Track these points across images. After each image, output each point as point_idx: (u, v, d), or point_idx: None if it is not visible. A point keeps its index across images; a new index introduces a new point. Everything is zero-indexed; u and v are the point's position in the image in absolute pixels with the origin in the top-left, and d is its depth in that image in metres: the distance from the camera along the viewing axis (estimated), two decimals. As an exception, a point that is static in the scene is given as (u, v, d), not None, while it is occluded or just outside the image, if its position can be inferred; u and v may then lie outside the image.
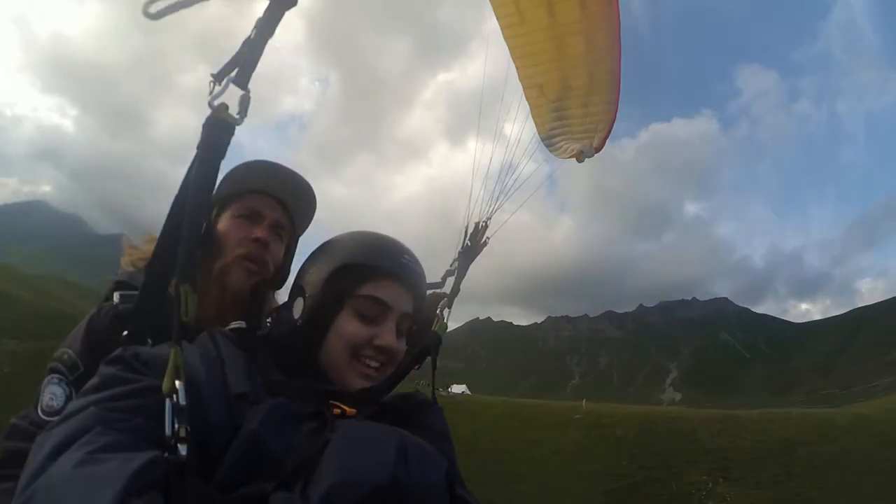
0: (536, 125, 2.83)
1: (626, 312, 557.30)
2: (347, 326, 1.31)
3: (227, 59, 1.27)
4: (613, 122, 2.66)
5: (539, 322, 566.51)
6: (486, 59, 2.71)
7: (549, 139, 2.82)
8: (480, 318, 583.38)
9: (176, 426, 1.00)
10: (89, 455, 0.89)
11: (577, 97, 2.77)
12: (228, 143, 1.24)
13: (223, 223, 1.77)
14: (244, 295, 1.67)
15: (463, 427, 43.70)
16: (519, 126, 2.67)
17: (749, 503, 35.04)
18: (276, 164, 1.85)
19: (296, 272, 1.49)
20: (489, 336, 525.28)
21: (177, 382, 1.03)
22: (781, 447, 41.08)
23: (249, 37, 1.28)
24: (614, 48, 2.59)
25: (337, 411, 1.19)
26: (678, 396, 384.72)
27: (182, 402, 1.02)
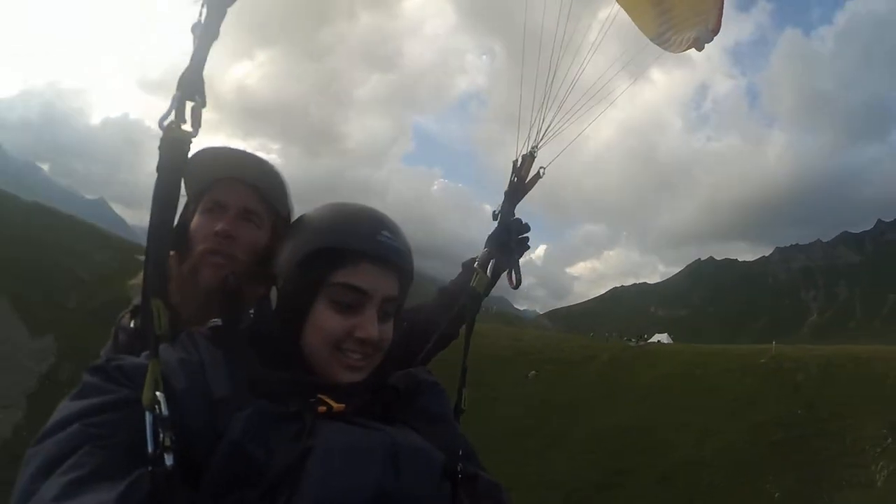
0: (641, 28, 2.64)
1: (863, 232, 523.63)
2: (324, 319, 1.23)
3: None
4: None
5: (767, 255, 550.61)
6: None
7: (660, 36, 2.61)
8: (702, 258, 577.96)
9: (161, 436, 1.00)
10: (72, 486, 0.91)
11: None
12: (185, 157, 1.21)
13: (193, 221, 1.70)
14: (218, 290, 1.57)
15: (642, 376, 45.32)
16: (571, 27, 2.27)
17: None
18: (233, 148, 1.74)
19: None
20: (713, 278, 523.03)
21: (157, 393, 1.03)
22: None
23: (193, 43, 1.22)
24: None
25: (323, 409, 1.16)
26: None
27: (165, 412, 1.02)
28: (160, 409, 1.02)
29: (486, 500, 1.27)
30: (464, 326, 1.98)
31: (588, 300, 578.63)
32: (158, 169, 1.21)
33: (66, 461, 0.94)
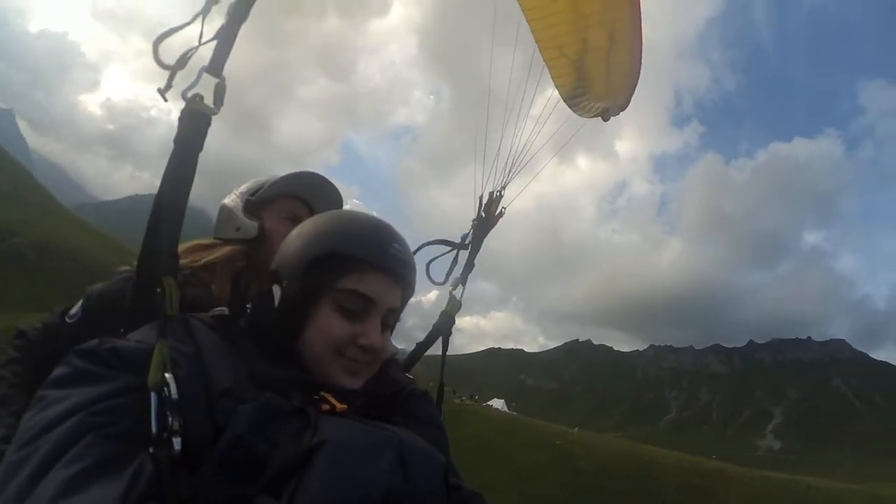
0: (558, 86, 2.78)
1: (734, 347, 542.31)
2: (329, 323, 1.22)
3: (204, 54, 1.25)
4: (637, 79, 2.67)
5: (641, 350, 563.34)
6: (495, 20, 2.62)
7: (573, 99, 2.80)
8: (580, 339, 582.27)
9: (169, 419, 0.98)
10: (75, 481, 0.87)
11: (599, 56, 2.73)
12: (205, 134, 1.21)
13: (270, 220, 1.98)
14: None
15: (450, 430, 50.19)
16: (530, 93, 2.55)
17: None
18: (321, 176, 2.07)
19: None
20: (587, 359, 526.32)
21: (166, 375, 1.01)
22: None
23: (223, 23, 1.24)
24: (633, 5, 2.55)
25: (326, 407, 1.14)
26: (777, 445, 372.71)
27: (174, 394, 1.00)
28: (168, 391, 1.00)
29: None
30: (439, 342, 2.20)
31: (464, 354, 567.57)
32: (176, 141, 1.21)
33: (67, 453, 0.90)
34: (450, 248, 2.38)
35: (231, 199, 2.08)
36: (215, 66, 1.25)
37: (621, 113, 2.74)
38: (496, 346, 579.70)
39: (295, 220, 1.91)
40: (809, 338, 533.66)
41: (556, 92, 2.77)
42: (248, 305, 1.34)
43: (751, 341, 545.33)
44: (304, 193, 2.06)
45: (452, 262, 2.39)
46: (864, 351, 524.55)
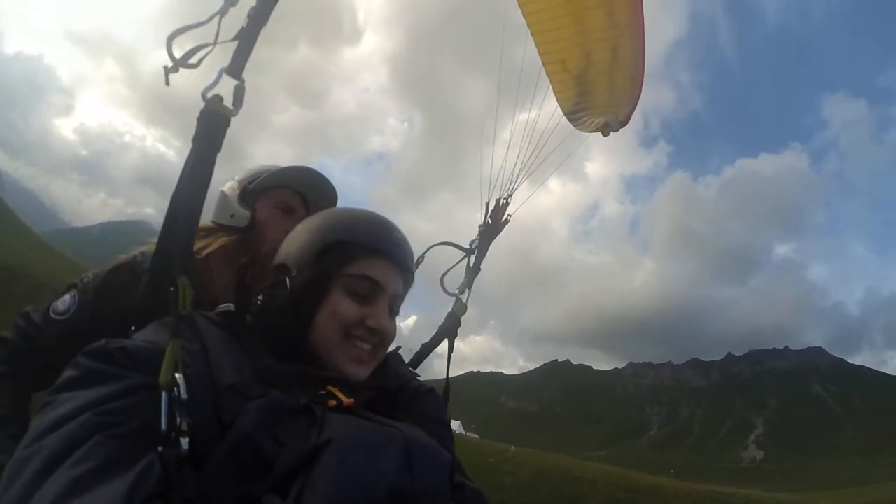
0: (559, 100, 2.83)
1: (712, 361, 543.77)
2: (339, 305, 1.25)
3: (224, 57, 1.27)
4: (639, 95, 2.69)
5: (620, 368, 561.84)
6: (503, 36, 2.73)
7: (573, 114, 2.84)
8: (559, 360, 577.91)
9: (178, 420, 0.98)
10: (80, 481, 0.86)
11: (601, 71, 2.78)
12: (224, 135, 1.23)
13: (263, 209, 2.01)
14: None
15: None
16: (539, 101, 2.65)
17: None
18: (317, 171, 2.11)
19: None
20: (566, 380, 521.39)
21: (177, 375, 1.01)
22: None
23: (243, 26, 1.25)
24: (637, 21, 2.59)
25: (333, 403, 1.15)
26: (760, 455, 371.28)
27: (184, 395, 1.00)
28: (178, 391, 1.00)
29: None
30: (445, 342, 2.26)
31: (443, 378, 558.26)
32: (195, 140, 1.23)
33: (74, 453, 0.89)
34: (462, 257, 2.46)
35: (229, 186, 2.10)
36: (235, 67, 1.25)
37: (606, 131, 2.73)
38: (476, 370, 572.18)
39: (287, 211, 2.03)
40: (787, 347, 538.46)
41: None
42: (258, 298, 1.32)
43: (728, 354, 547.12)
44: (301, 186, 2.09)
45: (466, 267, 2.47)
46: (842, 357, 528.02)
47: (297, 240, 1.35)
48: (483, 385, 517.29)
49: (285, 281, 1.30)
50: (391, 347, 1.41)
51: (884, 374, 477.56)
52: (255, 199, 2.04)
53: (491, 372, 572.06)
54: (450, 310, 2.34)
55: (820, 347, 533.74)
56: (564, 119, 2.76)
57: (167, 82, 1.29)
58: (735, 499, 35.81)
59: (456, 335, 2.24)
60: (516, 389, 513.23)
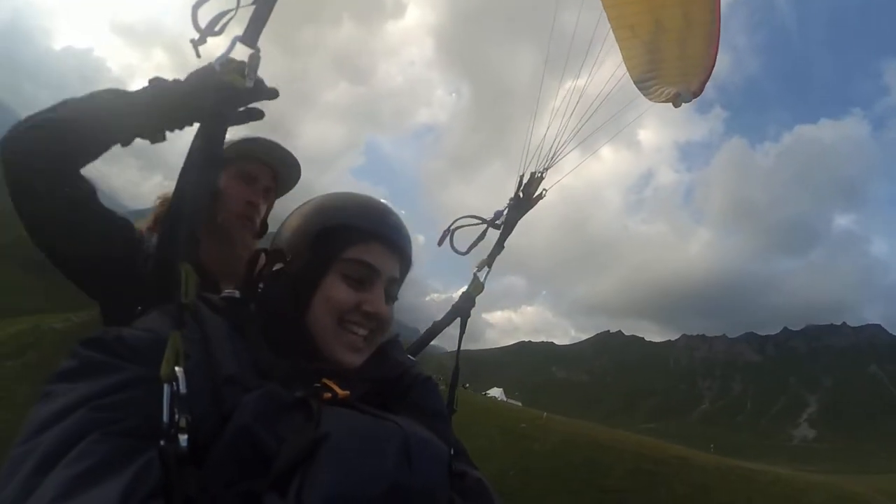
0: (628, 68, 2.72)
1: (767, 335, 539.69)
2: (334, 290, 1.24)
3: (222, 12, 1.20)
4: (713, 64, 2.54)
5: (673, 340, 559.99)
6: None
7: (643, 82, 2.71)
8: (611, 331, 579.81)
9: (177, 416, 0.95)
10: (78, 480, 0.83)
11: (672, 38, 2.65)
12: (238, 105, 1.19)
13: (224, 180, 1.96)
14: (247, 251, 1.72)
15: None
16: (588, 70, 2.48)
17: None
18: (272, 140, 2.06)
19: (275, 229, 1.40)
20: (618, 351, 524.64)
21: (177, 368, 0.98)
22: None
23: None
24: None
25: (328, 395, 1.14)
26: (812, 434, 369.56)
27: (183, 389, 0.97)
28: (178, 385, 0.97)
29: (476, 497, 1.26)
30: (456, 325, 2.15)
31: (496, 348, 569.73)
32: (204, 114, 1.19)
33: (71, 450, 0.87)
34: (479, 222, 2.31)
35: None
36: (250, 36, 1.19)
37: (678, 102, 2.53)
38: (527, 340, 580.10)
39: (250, 182, 2.02)
40: (844, 323, 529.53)
41: (617, 73, 2.64)
42: (259, 286, 1.32)
43: (784, 328, 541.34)
44: (268, 158, 2.08)
45: (479, 237, 2.31)
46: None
47: (291, 225, 1.33)
48: (534, 355, 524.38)
49: (283, 268, 1.29)
50: (392, 335, 1.40)
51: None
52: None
53: (542, 342, 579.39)
54: (465, 288, 2.24)
55: (879, 325, 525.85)
56: (615, 88, 2.56)
57: (198, 55, 1.24)
58: (764, 476, 36.36)
59: (469, 315, 2.17)
60: (567, 359, 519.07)
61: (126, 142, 1.43)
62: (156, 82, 1.38)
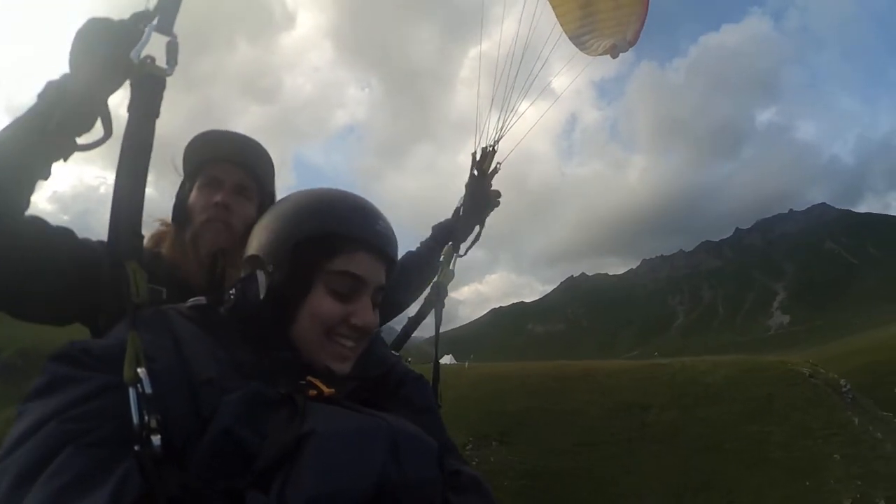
0: (562, 24, 2.69)
1: (723, 240, 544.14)
2: (321, 305, 1.20)
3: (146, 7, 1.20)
4: (646, 12, 2.53)
5: (635, 267, 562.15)
6: None
7: (579, 37, 2.71)
8: (575, 275, 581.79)
9: (146, 417, 0.93)
10: (57, 496, 0.83)
11: None
12: (161, 98, 1.17)
13: (191, 197, 1.83)
14: (230, 249, 1.65)
15: None
16: (523, 36, 2.43)
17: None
18: (226, 131, 1.89)
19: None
20: (587, 292, 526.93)
21: (139, 370, 0.96)
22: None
23: None
24: None
25: (314, 392, 1.12)
26: (786, 319, 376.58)
27: (148, 390, 0.95)
28: (142, 387, 0.95)
29: (470, 494, 1.21)
30: (432, 321, 2.20)
31: (471, 321, 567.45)
32: (131, 108, 1.16)
33: (47, 467, 0.85)
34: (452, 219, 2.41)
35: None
36: (164, 23, 1.18)
37: (615, 53, 2.56)
38: (498, 306, 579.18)
39: (216, 185, 1.83)
40: (791, 210, 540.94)
41: (522, 31, 2.55)
42: (230, 293, 1.26)
43: (737, 229, 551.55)
44: (227, 153, 1.85)
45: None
46: (848, 208, 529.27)
47: (268, 227, 1.26)
48: (508, 318, 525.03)
49: (256, 274, 1.24)
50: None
51: (891, 216, 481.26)
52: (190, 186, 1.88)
53: (513, 304, 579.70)
54: (435, 278, 2.24)
55: (824, 203, 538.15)
56: (525, 46, 2.51)
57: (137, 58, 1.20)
58: (669, 367, 35.89)
59: (443, 305, 2.15)
60: (541, 313, 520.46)
61: (46, 175, 1.34)
62: (48, 87, 1.29)
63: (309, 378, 1.15)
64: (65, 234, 1.61)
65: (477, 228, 2.42)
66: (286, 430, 1.01)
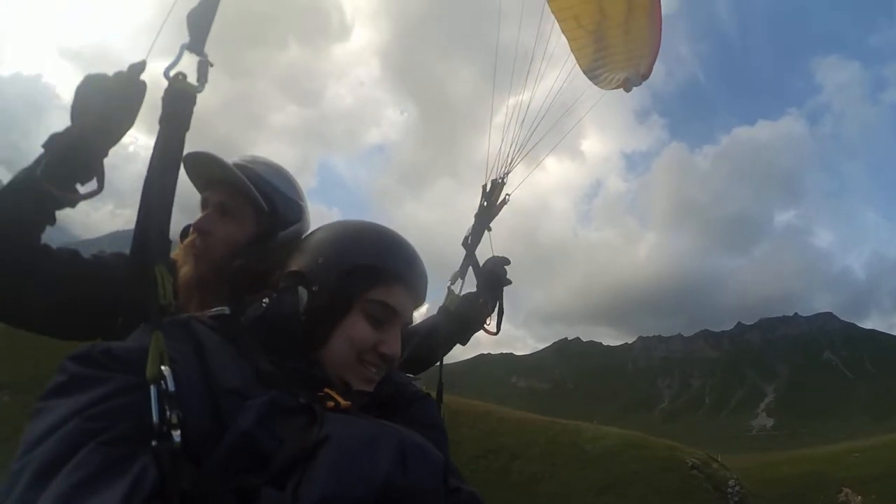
0: (577, 58, 2.80)
1: (723, 331, 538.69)
2: (356, 328, 1.29)
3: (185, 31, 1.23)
4: (658, 45, 2.62)
5: (630, 342, 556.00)
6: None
7: (592, 71, 2.81)
8: (569, 338, 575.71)
9: (168, 413, 0.96)
10: (76, 490, 0.85)
11: (616, 25, 2.74)
12: (191, 113, 1.21)
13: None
14: (209, 276, 1.63)
15: None
16: (532, 82, 2.55)
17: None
18: (199, 152, 1.74)
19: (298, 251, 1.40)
20: (577, 357, 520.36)
21: (163, 368, 0.99)
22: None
23: None
24: None
25: (331, 404, 1.18)
26: (770, 423, 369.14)
27: (171, 387, 0.98)
28: (166, 384, 0.99)
29: None
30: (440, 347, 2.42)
31: (456, 361, 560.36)
32: (162, 121, 1.21)
33: (67, 463, 0.88)
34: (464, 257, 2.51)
35: None
36: (196, 42, 1.23)
37: (628, 87, 2.65)
38: (486, 353, 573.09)
39: (202, 207, 1.77)
40: (796, 314, 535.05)
41: (555, 86, 2.66)
42: (263, 301, 1.32)
43: (739, 323, 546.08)
44: (197, 173, 1.78)
45: (462, 265, 2.53)
46: (853, 321, 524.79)
47: (318, 250, 1.35)
48: (494, 366, 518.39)
49: (296, 288, 1.31)
50: None
51: (894, 336, 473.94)
52: None
53: (501, 353, 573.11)
54: (442, 303, 2.35)
55: (830, 313, 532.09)
56: (556, 100, 2.61)
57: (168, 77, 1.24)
58: (563, 426, 36.06)
59: (449, 329, 2.25)
60: (528, 369, 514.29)
61: (52, 221, 1.50)
62: (49, 138, 1.41)
63: (326, 390, 1.21)
64: (73, 259, 1.68)
65: (497, 305, 2.62)
66: (304, 436, 1.06)
